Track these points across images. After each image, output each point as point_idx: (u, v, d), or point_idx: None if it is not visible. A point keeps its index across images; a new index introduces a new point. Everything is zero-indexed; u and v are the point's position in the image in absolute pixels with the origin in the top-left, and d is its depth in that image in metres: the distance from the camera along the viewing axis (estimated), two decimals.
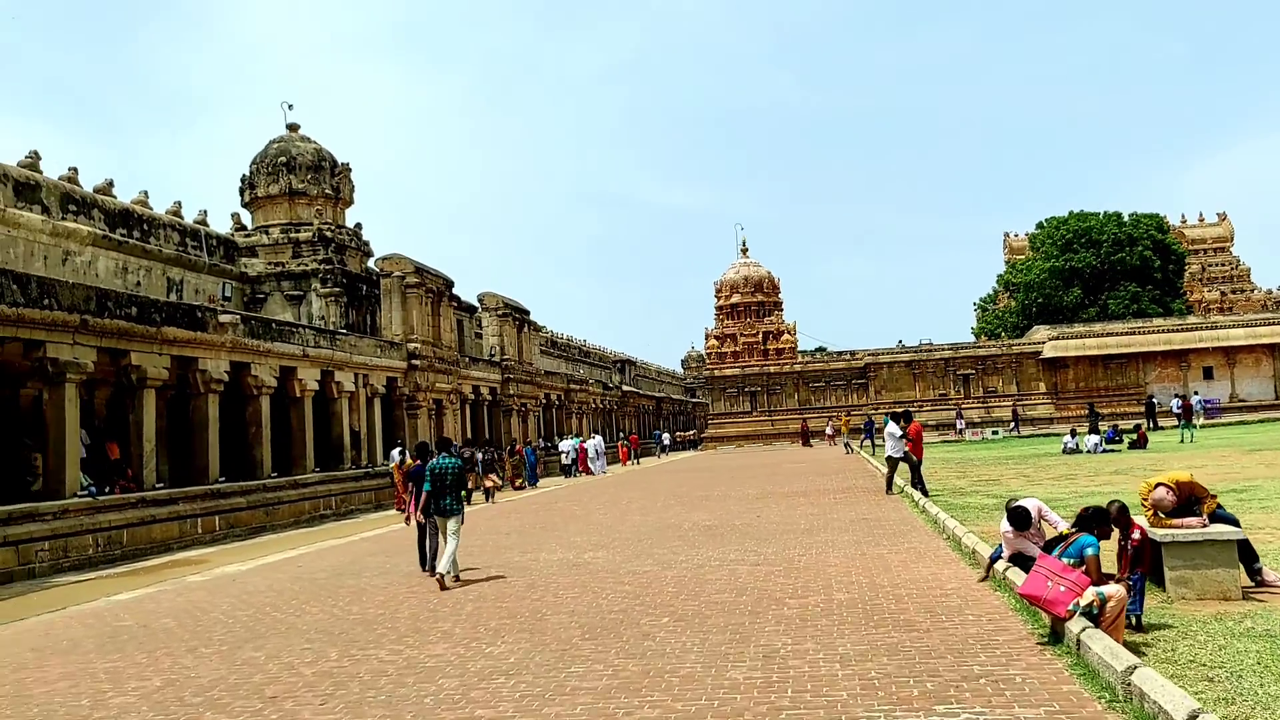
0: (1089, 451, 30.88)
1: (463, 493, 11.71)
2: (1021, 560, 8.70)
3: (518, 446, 35.82)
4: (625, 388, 66.07)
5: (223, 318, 21.20)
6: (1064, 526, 8.76)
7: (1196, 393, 53.78)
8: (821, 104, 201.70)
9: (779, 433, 61.42)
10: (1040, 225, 73.13)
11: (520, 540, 15.84)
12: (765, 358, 63.99)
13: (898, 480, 19.94)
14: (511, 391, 40.53)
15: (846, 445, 44.10)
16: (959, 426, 52.69)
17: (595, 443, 40.86)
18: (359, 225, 34.63)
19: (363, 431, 28.14)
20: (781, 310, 67.19)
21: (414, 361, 30.85)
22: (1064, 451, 31.35)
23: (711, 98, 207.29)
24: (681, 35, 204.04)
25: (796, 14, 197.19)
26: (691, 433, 78.27)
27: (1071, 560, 6.93)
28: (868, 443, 42.34)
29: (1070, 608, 6.56)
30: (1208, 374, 57.44)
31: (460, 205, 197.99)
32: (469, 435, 35.52)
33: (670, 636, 7.71)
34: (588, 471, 39.15)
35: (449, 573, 11.30)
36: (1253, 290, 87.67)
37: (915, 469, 20.33)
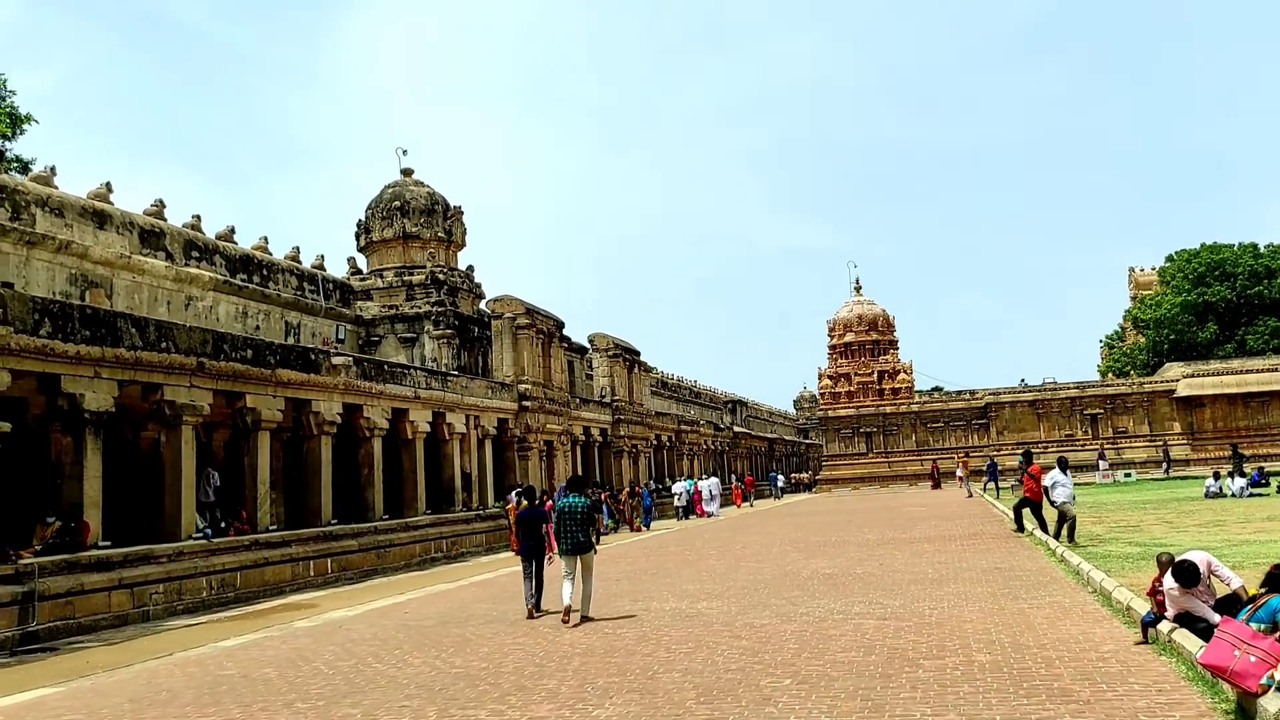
0: (1234, 495, 28.95)
1: (592, 529, 12.07)
2: (1188, 620, 7.75)
3: (636, 488, 35.47)
4: (737, 429, 65.20)
5: (335, 360, 21.32)
6: (1237, 583, 7.81)
7: None
8: (935, 138, 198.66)
9: (896, 475, 59.67)
10: (1170, 259, 69.95)
11: (631, 587, 15.27)
12: (880, 397, 62.40)
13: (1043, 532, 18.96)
14: (622, 433, 40.17)
15: (968, 488, 42.41)
16: (1102, 467, 50.05)
17: (710, 484, 40.74)
18: (471, 268, 34.90)
19: (474, 473, 28.04)
20: (897, 349, 65.56)
21: (525, 403, 30.73)
22: (1206, 495, 29.45)
23: (823, 136, 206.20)
24: (792, 74, 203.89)
25: (908, 48, 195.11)
26: (806, 475, 76.78)
27: (1263, 626, 6.04)
28: (991, 486, 40.61)
29: (1264, 681, 5.66)
30: None
31: (572, 248, 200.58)
32: (579, 475, 35.22)
33: (794, 702, 7.02)
34: (703, 513, 38.85)
35: (581, 611, 11.72)
36: None
37: (1036, 511, 20.21)
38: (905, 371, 63.54)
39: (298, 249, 30.20)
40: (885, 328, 65.62)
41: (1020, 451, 54.81)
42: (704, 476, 45.08)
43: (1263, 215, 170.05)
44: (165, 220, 24.97)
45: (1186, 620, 7.77)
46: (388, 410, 23.56)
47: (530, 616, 12.28)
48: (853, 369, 63.66)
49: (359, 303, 32.25)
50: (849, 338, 64.91)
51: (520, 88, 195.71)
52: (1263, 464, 39.41)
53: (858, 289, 68.00)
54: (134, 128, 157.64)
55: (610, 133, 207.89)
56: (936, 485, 51.02)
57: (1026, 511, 20.60)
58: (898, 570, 14.92)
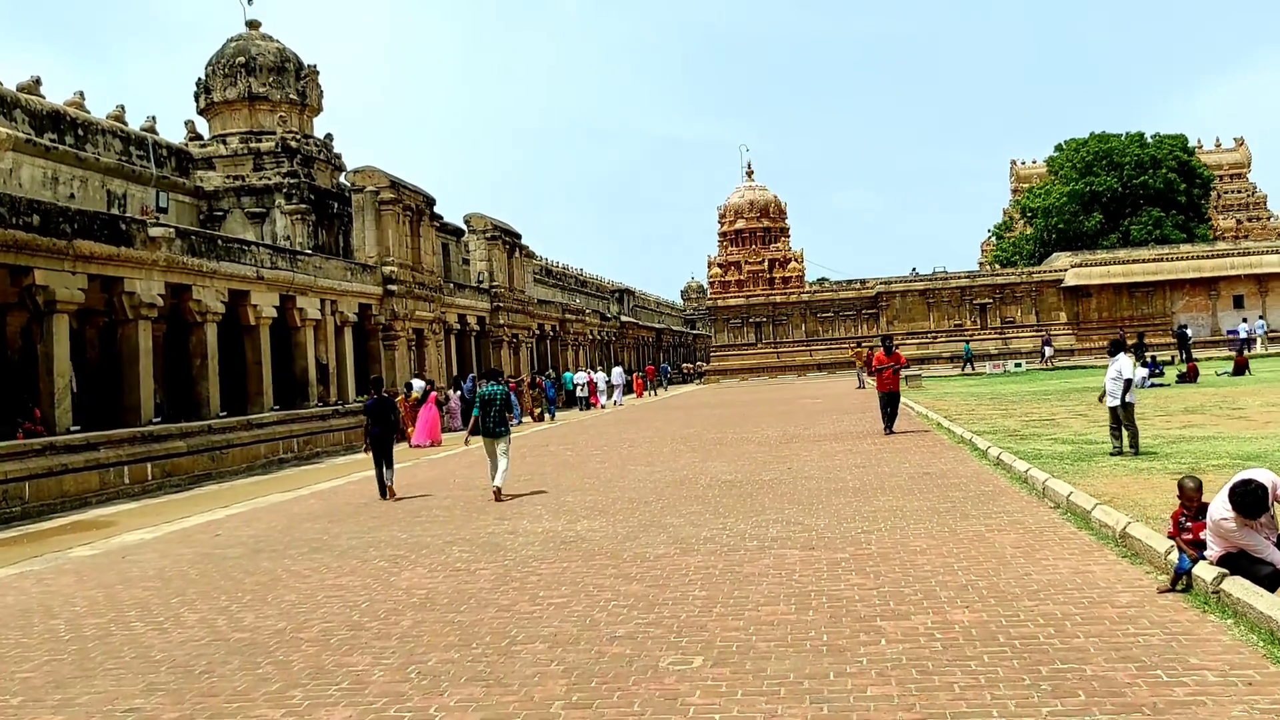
0: (1136, 386, 27.93)
1: (508, 416, 13.29)
2: (1240, 564, 5.71)
3: (538, 379, 33.91)
4: (624, 318, 62.99)
5: (153, 231, 18.01)
6: None
7: (1262, 318, 50.94)
8: (823, 30, 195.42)
9: (785, 365, 58.43)
10: (1059, 148, 69.36)
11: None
12: (771, 287, 60.71)
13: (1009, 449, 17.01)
14: (501, 321, 37.42)
15: (860, 379, 41.05)
16: (1047, 354, 49.27)
17: (608, 375, 41.06)
18: (329, 136, 31.20)
19: (331, 365, 25.09)
20: (788, 237, 63.73)
21: (390, 287, 27.70)
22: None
23: (718, 27, 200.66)
24: None
25: None
26: (693, 365, 75.34)
27: None
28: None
29: None
30: (1238, 303, 54.34)
31: (448, 133, 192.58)
32: (494, 368, 32.63)
33: (710, 703, 4.73)
34: (597, 404, 38.79)
35: (501, 487, 12.68)
36: (1270, 218, 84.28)
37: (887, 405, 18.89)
38: (796, 260, 61.88)
39: (122, 108, 26.12)
40: (777, 214, 63.63)
41: (911, 342, 54.26)
42: (597, 369, 43.76)
43: (1148, 107, 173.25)
44: None
45: (1236, 563, 5.73)
46: (223, 292, 20.37)
47: (382, 497, 13.48)
48: (743, 257, 61.69)
49: (199, 172, 28.39)
50: (740, 224, 62.76)
51: None
52: (1154, 354, 38.99)
53: (749, 174, 65.67)
54: None
55: (498, 11, 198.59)
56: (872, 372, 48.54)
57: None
58: (811, 476, 12.85)
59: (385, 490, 13.52)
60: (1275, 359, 40.26)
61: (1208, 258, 55.12)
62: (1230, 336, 51.67)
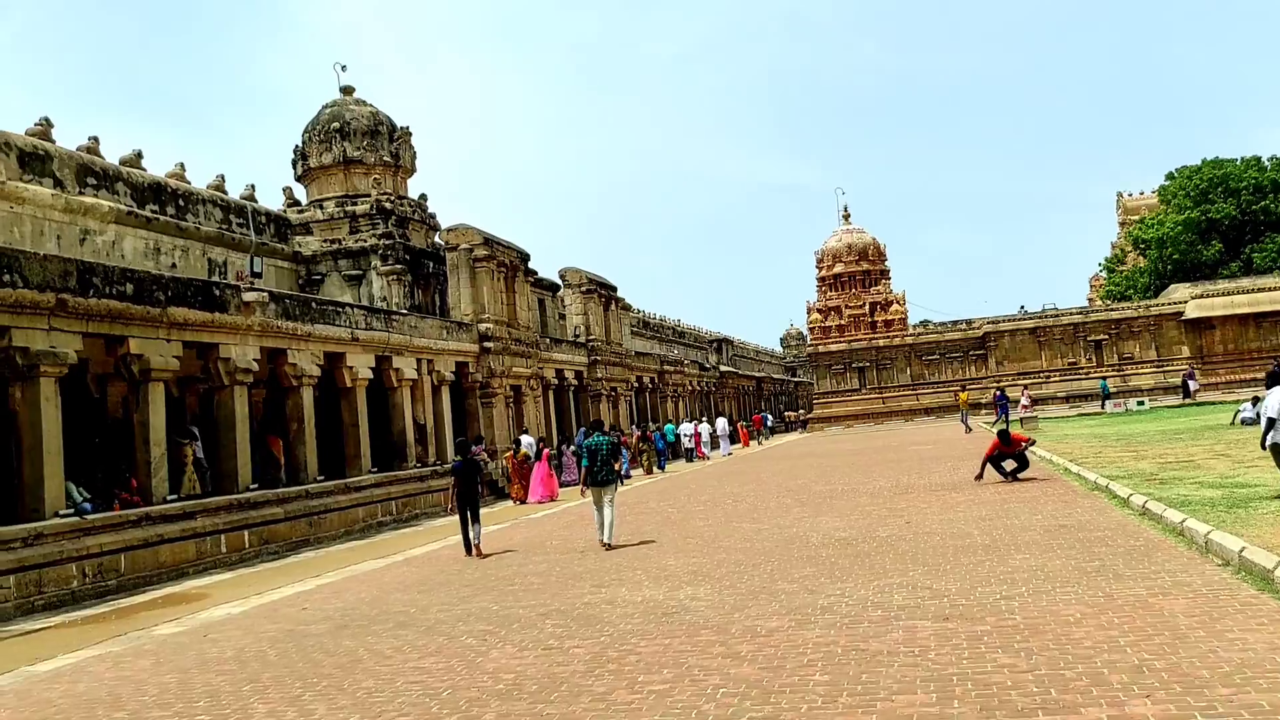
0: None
1: (616, 464, 13.95)
2: None
3: (648, 432, 33.71)
4: (723, 368, 62.10)
5: (247, 296, 17.95)
6: None
7: None
8: (916, 68, 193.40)
9: (890, 411, 56.76)
10: (1170, 176, 66.59)
11: (597, 560, 12.18)
12: (873, 330, 59.26)
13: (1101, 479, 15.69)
14: (599, 375, 36.95)
15: (966, 422, 39.34)
16: (1191, 388, 46.51)
17: (707, 427, 41.53)
18: (423, 196, 31.34)
19: (429, 424, 24.81)
20: (888, 279, 62.30)
21: (486, 343, 27.43)
22: (1241, 423, 26.36)
23: (804, 69, 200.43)
24: (769, 8, 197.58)
25: None
26: (795, 414, 73.87)
27: None
28: (1001, 419, 37.65)
29: None
30: None
31: (541, 188, 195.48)
32: (598, 420, 32.23)
33: None
34: (702, 456, 38.63)
35: (609, 539, 13.35)
36: None
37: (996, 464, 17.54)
38: (898, 302, 60.35)
39: (222, 177, 26.58)
40: (876, 257, 62.30)
41: (1024, 382, 52.09)
42: (700, 420, 44.05)
43: (1258, 134, 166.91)
44: (53, 142, 21.37)
45: None
46: (318, 355, 20.24)
47: (468, 554, 13.94)
48: (843, 301, 60.43)
49: (297, 238, 28.72)
50: (838, 269, 61.59)
51: (493, 23, 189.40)
52: None
53: (846, 217, 64.56)
54: (80, 73, 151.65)
55: (587, 69, 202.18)
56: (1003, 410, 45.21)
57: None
58: (932, 531, 11.81)
59: (470, 547, 14.01)
60: None
61: None
62: None
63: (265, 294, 18.60)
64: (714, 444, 41.95)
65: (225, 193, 26.54)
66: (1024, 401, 44.93)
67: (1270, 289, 52.22)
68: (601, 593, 9.85)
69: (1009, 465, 17.65)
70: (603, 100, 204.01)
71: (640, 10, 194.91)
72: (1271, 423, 11.71)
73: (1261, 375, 47.02)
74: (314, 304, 20.72)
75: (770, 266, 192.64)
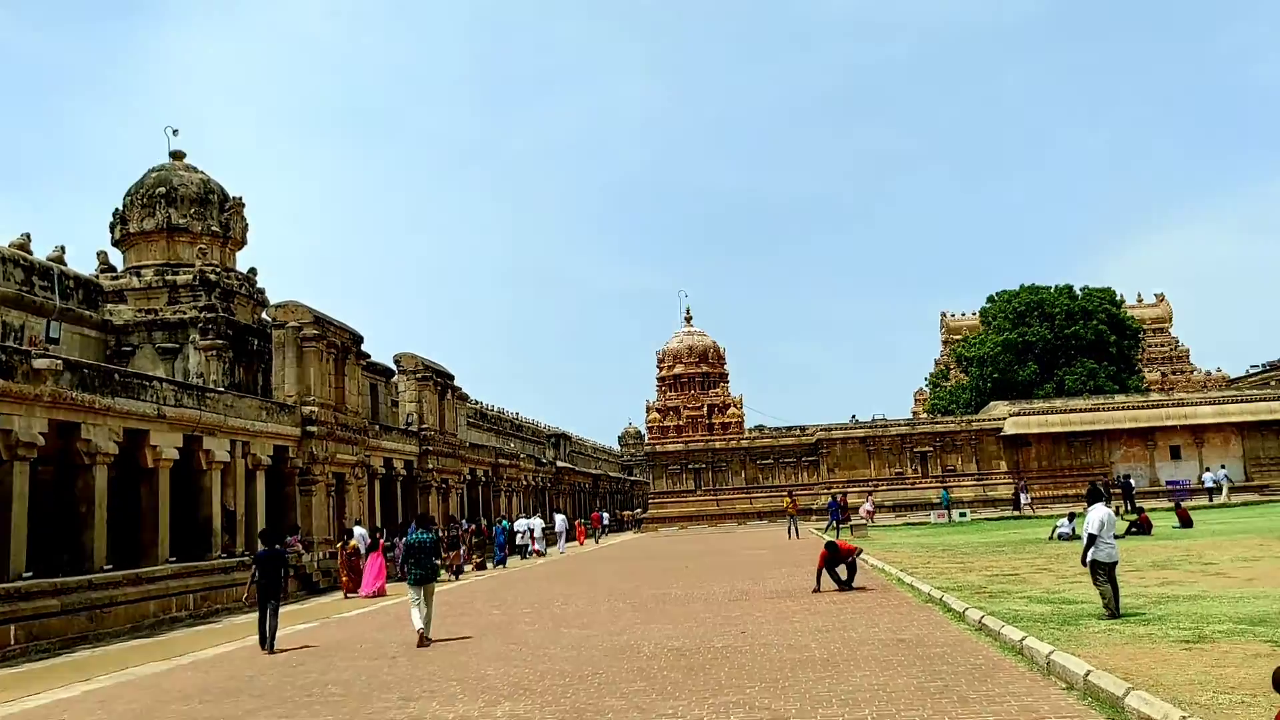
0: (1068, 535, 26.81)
1: (438, 560, 14.27)
2: None
3: (483, 525, 32.64)
4: (560, 464, 61.23)
5: (38, 363, 16.25)
6: None
7: (1209, 468, 50.08)
8: (758, 184, 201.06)
9: (725, 513, 56.90)
10: (991, 299, 70.47)
11: (410, 667, 11.10)
12: (710, 432, 59.66)
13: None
14: (431, 465, 35.57)
15: (794, 528, 39.14)
16: (1024, 501, 47.56)
17: (560, 521, 41.32)
18: (253, 270, 29.82)
19: (240, 512, 23.05)
20: (727, 382, 63.13)
21: (310, 428, 25.92)
22: (1059, 538, 27.24)
23: (653, 178, 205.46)
24: (626, 119, 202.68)
25: (737, 104, 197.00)
26: (631, 513, 73.33)
27: None
28: (833, 526, 37.95)
29: None
30: (1175, 453, 54.46)
31: (388, 275, 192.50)
32: (424, 513, 30.63)
33: None
34: (536, 552, 37.59)
35: (427, 633, 13.14)
36: (1192, 371, 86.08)
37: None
38: (736, 406, 61.09)
39: (28, 236, 24.49)
40: (716, 360, 63.15)
41: (853, 490, 53.18)
42: (536, 515, 43.25)
43: (1071, 264, 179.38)
44: None
45: None
46: (117, 432, 18.49)
47: (264, 649, 13.38)
48: (682, 402, 60.78)
49: (110, 305, 26.70)
50: (679, 369, 62.08)
51: (348, 106, 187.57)
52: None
53: (688, 319, 65.42)
54: None
55: (440, 161, 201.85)
56: (846, 518, 45.38)
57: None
58: (770, 643, 11.27)
59: (266, 643, 13.49)
60: (1215, 510, 39.61)
61: (1143, 408, 55.42)
62: (1170, 487, 51.48)
63: (59, 361, 16.91)
64: (550, 540, 41.12)
65: (30, 253, 24.49)
66: (867, 507, 46.00)
67: (1080, 410, 55.22)
68: (409, 708, 8.84)
69: (842, 572, 17.41)
70: (454, 194, 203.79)
71: (499, 109, 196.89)
72: (1092, 539, 11.77)
73: (1073, 492, 49.40)
74: (116, 375, 19.03)
75: (612, 365, 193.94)
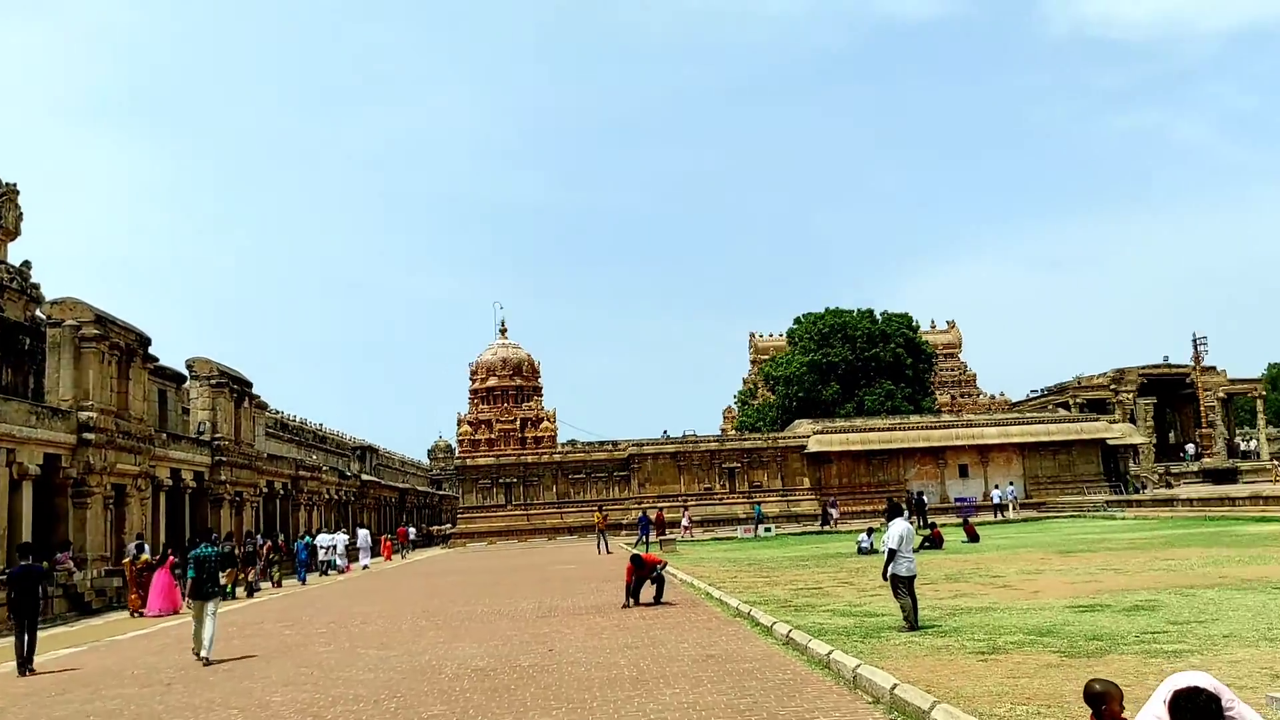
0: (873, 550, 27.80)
1: (222, 576, 14.21)
2: None
3: (280, 541, 31.15)
4: (365, 477, 59.25)
5: None
6: None
7: (997, 486, 52.94)
8: (578, 204, 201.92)
9: (535, 528, 56.34)
10: (798, 320, 72.90)
11: (186, 694, 10.17)
12: (523, 447, 59.04)
13: (724, 598, 15.53)
14: (224, 477, 33.57)
15: (603, 544, 38.96)
16: (833, 516, 48.49)
17: (363, 536, 40.01)
18: (27, 264, 27.42)
19: (2, 525, 20.99)
20: (541, 396, 62.69)
21: (87, 435, 23.95)
22: (859, 552, 28.16)
23: (470, 194, 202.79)
24: (444, 131, 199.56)
25: (558, 120, 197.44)
26: (440, 528, 71.71)
27: None
28: (643, 540, 38.04)
29: None
30: (963, 472, 57.55)
31: (186, 278, 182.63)
32: (210, 528, 28.62)
33: None
34: (340, 569, 36.30)
35: (207, 653, 12.57)
36: (979, 394, 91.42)
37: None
38: (549, 420, 60.71)
39: None
40: (530, 373, 62.62)
41: (664, 505, 53.73)
42: (340, 530, 41.90)
43: (874, 288, 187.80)
44: None
45: None
46: None
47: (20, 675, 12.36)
48: (495, 415, 59.93)
49: None
50: (492, 381, 61.20)
51: (148, 104, 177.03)
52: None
53: (503, 332, 64.66)
54: None
55: (246, 163, 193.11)
56: (662, 532, 45.34)
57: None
58: (577, 660, 10.92)
59: (22, 665, 12.60)
60: (1000, 526, 41.92)
61: (935, 428, 58.37)
62: (959, 504, 54.30)
63: None
64: (354, 557, 39.61)
65: None
66: (684, 523, 46.52)
67: (878, 429, 57.63)
68: None
69: (650, 589, 17.26)
70: (264, 196, 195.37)
71: (316, 111, 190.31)
72: (892, 554, 12.01)
73: (870, 508, 51.43)
74: None
75: (424, 377, 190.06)
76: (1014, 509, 49.72)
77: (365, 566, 37.98)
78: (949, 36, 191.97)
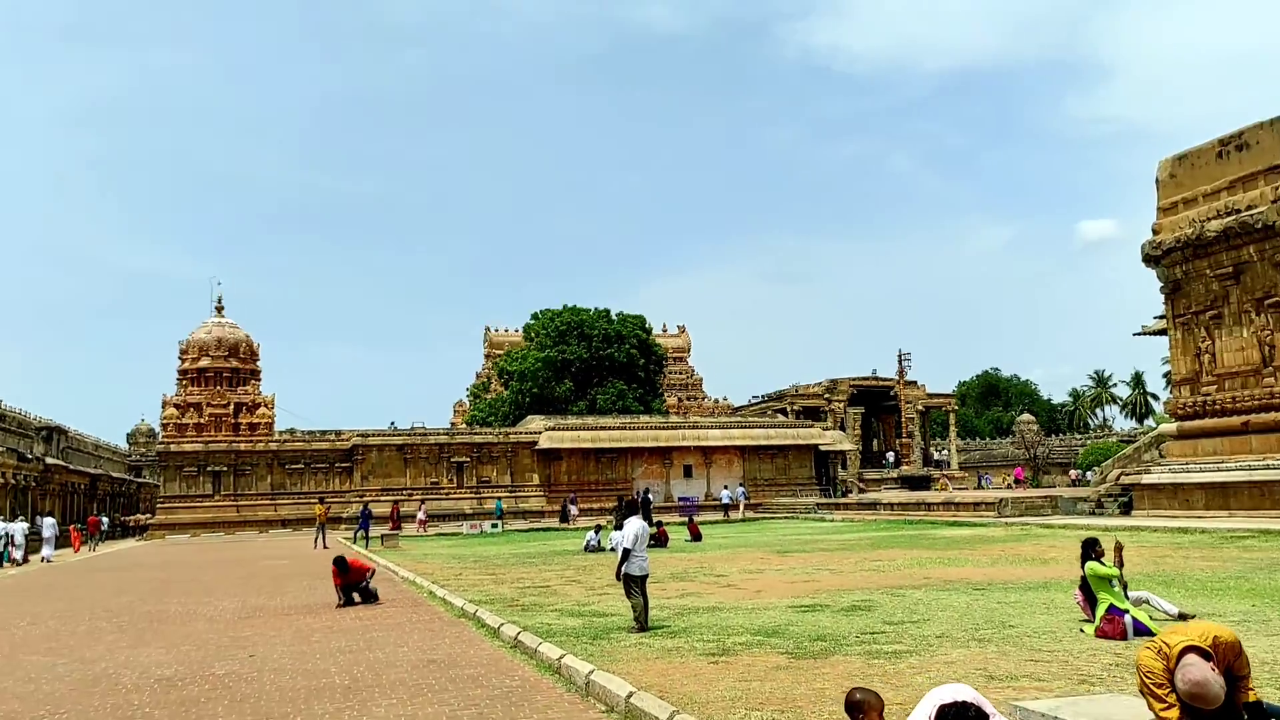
0: (613, 549, 27.83)
1: None
2: None
3: None
4: (51, 461, 53.55)
5: None
6: None
7: (727, 486, 54.59)
8: (309, 183, 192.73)
9: (246, 520, 52.89)
10: (535, 316, 72.73)
11: None
12: (236, 433, 55.31)
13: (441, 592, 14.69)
14: None
15: (321, 538, 36.91)
16: (573, 513, 47.74)
17: (48, 525, 37.16)
18: None
19: None
20: (259, 380, 58.99)
21: None
22: (586, 549, 28.08)
23: (193, 164, 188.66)
24: (165, 92, 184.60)
25: (292, 91, 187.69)
26: (142, 517, 66.00)
27: None
28: (362, 535, 36.38)
29: None
30: (688, 472, 59.16)
31: None
32: None
33: None
34: (17, 561, 33.19)
35: None
36: (704, 398, 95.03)
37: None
38: (266, 405, 57.23)
39: None
40: (248, 355, 58.76)
41: (386, 499, 51.95)
42: (18, 518, 37.93)
43: (609, 288, 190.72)
44: None
45: None
46: None
47: None
48: (206, 398, 55.80)
49: None
50: (204, 362, 56.94)
51: None
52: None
53: (219, 310, 60.30)
54: None
55: None
56: (397, 527, 44.22)
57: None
58: (283, 668, 9.83)
59: None
60: (722, 525, 43.25)
61: (664, 429, 59.74)
62: (682, 503, 55.76)
63: None
64: (34, 548, 35.72)
65: None
66: (420, 516, 45.49)
67: (609, 428, 58.27)
68: None
69: (358, 598, 16.00)
70: None
71: (17, 61, 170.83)
72: (627, 554, 11.71)
73: (598, 505, 51.83)
74: None
75: (128, 355, 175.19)
76: (742, 509, 51.69)
77: (47, 559, 34.25)
78: (692, 52, 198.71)
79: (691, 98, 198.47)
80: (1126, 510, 33.79)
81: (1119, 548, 11.38)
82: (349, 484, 54.94)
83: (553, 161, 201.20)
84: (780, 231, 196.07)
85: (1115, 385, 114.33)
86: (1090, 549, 10.79)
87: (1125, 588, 10.66)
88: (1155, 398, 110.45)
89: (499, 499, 52.59)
